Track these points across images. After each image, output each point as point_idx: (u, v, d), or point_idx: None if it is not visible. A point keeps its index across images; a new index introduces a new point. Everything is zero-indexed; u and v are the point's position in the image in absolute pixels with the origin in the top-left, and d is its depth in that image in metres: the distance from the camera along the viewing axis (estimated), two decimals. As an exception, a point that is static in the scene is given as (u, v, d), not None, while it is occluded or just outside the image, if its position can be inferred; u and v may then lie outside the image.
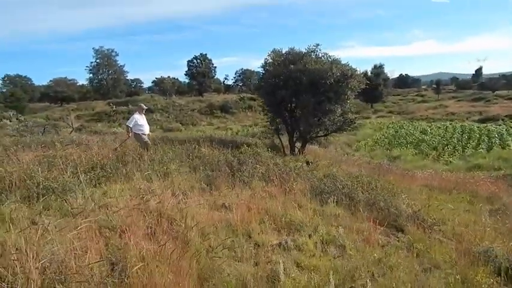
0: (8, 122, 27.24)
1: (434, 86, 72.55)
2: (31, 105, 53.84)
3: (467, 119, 35.18)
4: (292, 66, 11.06)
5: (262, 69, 12.13)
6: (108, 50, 63.62)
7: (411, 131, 29.03)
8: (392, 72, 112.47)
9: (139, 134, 8.66)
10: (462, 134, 25.94)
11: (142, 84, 79.73)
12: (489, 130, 26.41)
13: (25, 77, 64.86)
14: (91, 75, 63.39)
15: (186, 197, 5.65)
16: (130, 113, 12.26)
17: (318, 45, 11.61)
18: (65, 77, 66.11)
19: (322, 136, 13.17)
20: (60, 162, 5.87)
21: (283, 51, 12.05)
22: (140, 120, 8.75)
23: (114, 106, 44.76)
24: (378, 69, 57.12)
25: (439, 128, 29.72)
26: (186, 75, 67.27)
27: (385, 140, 27.21)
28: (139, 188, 5.54)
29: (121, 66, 65.71)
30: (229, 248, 3.96)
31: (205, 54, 67.14)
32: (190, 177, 6.76)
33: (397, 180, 11.67)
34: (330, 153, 18.38)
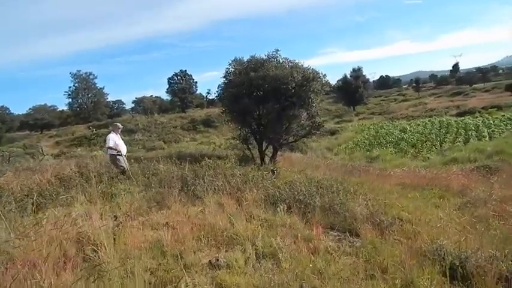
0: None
1: (414, 84, 73.73)
2: (9, 135, 52.63)
3: (445, 114, 35.57)
4: (252, 73, 10.85)
5: (224, 79, 11.88)
6: (86, 73, 63.21)
7: (391, 131, 29.14)
8: (373, 74, 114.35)
9: (115, 155, 8.13)
10: (440, 129, 26.11)
11: (124, 106, 79.15)
12: (466, 123, 26.65)
13: (2, 106, 63.59)
14: (70, 100, 62.67)
15: (129, 218, 5.33)
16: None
17: (278, 50, 11.48)
18: (45, 104, 65.05)
19: (292, 142, 12.94)
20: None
21: (245, 60, 11.87)
22: (117, 141, 8.25)
23: (94, 129, 44.08)
24: (357, 72, 57.83)
25: (418, 125, 29.90)
26: (167, 92, 66.97)
27: (366, 141, 27.23)
28: (73, 213, 5.16)
29: (100, 88, 65.26)
30: (153, 271, 3.62)
31: (185, 70, 67.11)
32: (140, 196, 6.43)
33: (369, 180, 11.51)
34: (307, 159, 18.18)
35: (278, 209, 5.50)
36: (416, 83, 72.55)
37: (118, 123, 8.89)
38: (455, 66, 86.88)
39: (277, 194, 6.31)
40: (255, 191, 6.77)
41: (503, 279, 3.70)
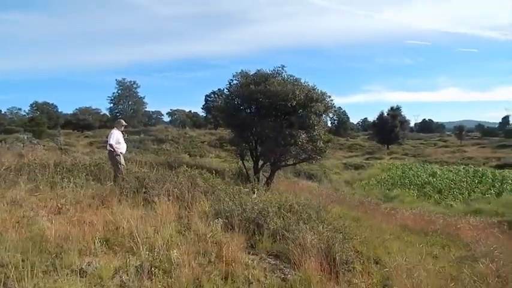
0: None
1: (457, 131, 69.81)
2: (50, 131, 55.77)
3: (484, 164, 32.76)
4: (253, 87, 10.39)
5: (226, 90, 11.50)
6: (130, 81, 66.25)
7: (419, 173, 27.16)
8: (416, 117, 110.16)
9: (113, 152, 7.69)
10: (473, 178, 23.90)
11: (162, 117, 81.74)
12: (504, 176, 24.21)
13: (52, 104, 67.93)
14: (112, 105, 65.74)
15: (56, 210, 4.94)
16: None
17: (283, 66, 11.01)
18: (90, 106, 68.67)
19: (291, 165, 12.15)
20: None
21: (251, 73, 11.47)
22: (119, 138, 7.86)
23: (126, 135, 45.42)
24: (395, 111, 55.78)
25: (450, 171, 27.66)
26: (202, 109, 68.36)
27: (389, 180, 25.52)
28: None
29: (141, 97, 67.92)
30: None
31: (223, 89, 68.39)
32: (85, 191, 6.00)
33: (370, 217, 10.43)
34: (317, 188, 17.11)
35: (212, 222, 4.81)
36: (460, 130, 68.55)
37: (122, 120, 8.53)
38: (506, 119, 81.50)
39: (226, 208, 5.59)
40: (209, 203, 6.14)
41: None
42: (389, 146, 54.29)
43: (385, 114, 55.84)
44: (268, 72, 11.04)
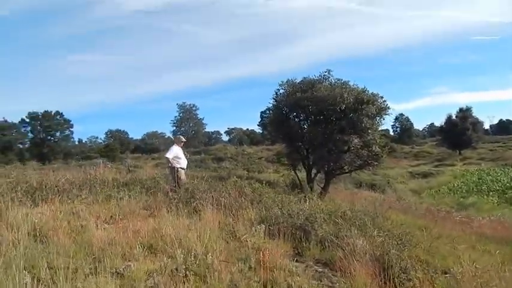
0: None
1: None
2: (122, 155, 60.68)
3: None
4: (299, 94, 10.22)
5: (273, 100, 11.43)
6: (189, 104, 69.82)
7: (499, 178, 24.24)
8: (491, 118, 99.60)
9: (176, 167, 7.79)
10: None
11: (221, 136, 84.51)
12: None
13: (123, 131, 74.03)
14: (174, 128, 69.67)
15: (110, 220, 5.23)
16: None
17: (330, 71, 10.66)
18: (156, 131, 73.51)
19: (346, 173, 11.58)
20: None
21: (297, 81, 11.32)
22: (179, 153, 7.98)
23: (189, 155, 47.54)
24: (465, 113, 51.02)
25: (539, 174, 24.31)
26: (258, 125, 69.26)
27: (463, 187, 23.14)
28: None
29: (200, 119, 71.08)
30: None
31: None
32: (138, 203, 6.27)
33: (438, 225, 9.45)
34: (379, 197, 15.97)
35: (253, 228, 4.65)
36: (548, 128, 60.39)
37: (181, 136, 8.75)
38: None
39: (272, 215, 5.41)
40: (258, 211, 6.01)
41: None
42: (462, 151, 49.53)
43: (454, 117, 51.34)
44: (315, 78, 10.78)
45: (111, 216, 5.20)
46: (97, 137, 71.24)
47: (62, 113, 50.53)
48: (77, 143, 64.06)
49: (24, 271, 2.79)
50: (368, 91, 10.05)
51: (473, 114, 52.00)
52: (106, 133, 70.31)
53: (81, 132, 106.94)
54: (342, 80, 10.47)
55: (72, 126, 52.22)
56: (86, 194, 6.28)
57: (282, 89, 11.23)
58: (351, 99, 9.62)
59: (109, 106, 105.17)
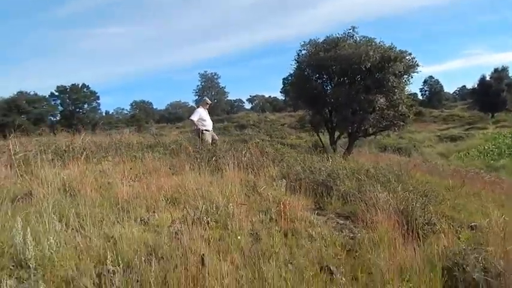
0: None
1: None
2: (148, 125, 62.12)
3: None
4: (322, 54, 9.85)
5: (295, 62, 11.09)
6: (211, 73, 69.49)
7: (535, 140, 23.12)
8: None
9: (201, 129, 7.85)
10: None
11: (243, 104, 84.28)
12: None
13: (148, 102, 75.16)
14: (197, 97, 69.99)
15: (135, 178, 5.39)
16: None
17: (354, 28, 10.13)
18: (179, 100, 74.23)
19: (371, 134, 11.31)
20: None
21: (320, 41, 10.88)
22: (204, 115, 7.97)
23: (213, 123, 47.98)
24: (500, 73, 47.97)
25: None
26: (281, 92, 68.34)
27: (495, 150, 22.22)
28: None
29: (222, 87, 70.88)
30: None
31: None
32: (162, 163, 6.42)
33: (467, 185, 9.15)
34: (404, 160, 15.62)
35: (275, 183, 4.67)
36: None
37: (206, 98, 8.70)
38: None
39: (294, 172, 5.40)
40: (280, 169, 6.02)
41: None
42: (495, 114, 47.13)
43: (488, 78, 48.46)
44: (339, 36, 10.29)
45: (136, 175, 5.36)
46: (123, 109, 72.75)
47: (88, 86, 51.58)
48: (104, 114, 65.81)
49: (54, 218, 2.93)
50: (395, 48, 9.54)
51: (510, 75, 48.88)
52: (131, 104, 71.73)
53: (108, 104, 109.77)
54: (367, 37, 9.96)
55: (98, 98, 53.30)
56: (112, 155, 6.49)
57: (304, 49, 10.84)
58: (377, 57, 9.19)
59: (133, 78, 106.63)
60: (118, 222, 3.26)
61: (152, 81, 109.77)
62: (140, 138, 8.55)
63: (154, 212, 3.69)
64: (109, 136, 8.90)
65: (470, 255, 2.50)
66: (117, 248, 2.53)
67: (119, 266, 2.16)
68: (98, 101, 53.86)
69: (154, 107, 74.70)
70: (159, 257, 2.43)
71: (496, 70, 48.71)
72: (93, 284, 2.08)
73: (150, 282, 2.02)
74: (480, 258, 2.44)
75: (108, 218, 3.27)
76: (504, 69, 48.65)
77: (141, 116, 61.51)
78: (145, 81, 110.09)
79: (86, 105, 52.16)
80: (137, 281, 2.12)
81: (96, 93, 53.02)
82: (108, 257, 2.15)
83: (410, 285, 2.25)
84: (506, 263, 2.34)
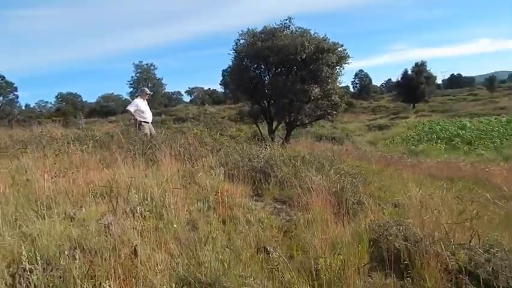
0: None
1: (488, 83, 65.83)
2: (76, 119, 57.55)
3: (519, 112, 30.83)
4: (260, 44, 9.92)
5: (233, 51, 11.03)
6: (147, 64, 66.42)
7: (446, 127, 26.00)
8: (444, 73, 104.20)
9: (139, 121, 7.35)
10: (506, 127, 22.59)
11: (182, 97, 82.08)
12: (541, 122, 22.75)
13: (76, 94, 69.59)
14: (132, 89, 66.47)
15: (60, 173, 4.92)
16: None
17: (290, 18, 10.33)
18: (112, 93, 69.85)
19: (307, 123, 11.76)
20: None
21: (258, 30, 10.94)
22: (142, 106, 7.51)
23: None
24: (420, 67, 53.00)
25: (481, 122, 26.31)
26: (220, 84, 67.90)
27: (415, 137, 24.61)
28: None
29: (159, 79, 68.18)
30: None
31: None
32: (91, 157, 5.97)
33: (391, 169, 10.00)
34: (336, 148, 16.60)
35: (212, 171, 4.63)
36: (491, 82, 64.60)
37: (146, 89, 8.23)
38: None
39: (232, 160, 5.40)
40: (218, 158, 5.97)
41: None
42: (416, 105, 52.13)
43: (410, 72, 53.29)
44: (276, 26, 10.44)
45: (61, 169, 4.92)
46: (47, 102, 66.53)
47: (3, 76, 46.23)
48: (23, 108, 59.58)
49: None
50: (329, 39, 9.98)
51: (428, 69, 54.24)
52: (56, 96, 65.80)
53: (27, 98, 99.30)
54: (302, 28, 10.26)
55: (16, 89, 48.15)
56: (31, 150, 5.87)
57: (242, 39, 10.84)
58: (312, 48, 9.51)
59: (60, 67, 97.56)
60: (38, 219, 2.95)
61: (82, 71, 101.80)
62: (66, 132, 7.86)
63: (81, 207, 3.42)
64: (29, 130, 8.05)
65: (393, 227, 2.72)
66: (36, 245, 2.29)
67: (37, 263, 1.95)
68: (16, 93, 48.60)
69: (84, 99, 69.36)
70: (85, 251, 2.25)
71: (416, 64, 53.69)
72: (5, 284, 1.85)
73: (74, 277, 1.85)
74: (401, 229, 2.67)
75: (26, 216, 2.95)
76: (423, 64, 53.83)
77: (68, 109, 56.83)
78: (74, 72, 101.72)
79: (0, 98, 46.75)
80: (60, 277, 1.93)
81: (13, 83, 47.75)
82: (23, 253, 1.92)
83: (341, 257, 2.37)
84: (422, 231, 2.60)
